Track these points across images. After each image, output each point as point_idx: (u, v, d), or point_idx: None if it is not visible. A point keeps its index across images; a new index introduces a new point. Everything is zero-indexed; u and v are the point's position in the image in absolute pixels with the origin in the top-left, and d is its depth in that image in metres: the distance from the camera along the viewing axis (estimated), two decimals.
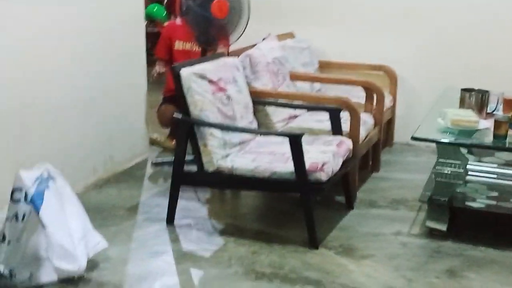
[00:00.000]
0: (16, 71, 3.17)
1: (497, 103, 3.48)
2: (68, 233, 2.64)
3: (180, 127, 3.26)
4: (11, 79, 3.13)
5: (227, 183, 3.31)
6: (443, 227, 3.16)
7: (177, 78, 3.18)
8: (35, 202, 2.57)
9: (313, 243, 3.04)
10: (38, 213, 2.56)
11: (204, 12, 3.77)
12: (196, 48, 4.43)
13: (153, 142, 4.70)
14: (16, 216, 2.58)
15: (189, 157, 3.27)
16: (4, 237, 2.60)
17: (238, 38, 4.18)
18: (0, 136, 3.05)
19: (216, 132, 3.19)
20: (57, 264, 2.59)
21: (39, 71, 3.34)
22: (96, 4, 3.78)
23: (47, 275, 2.61)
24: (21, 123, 3.22)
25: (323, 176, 2.99)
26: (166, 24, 4.97)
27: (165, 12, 6.03)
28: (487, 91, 3.48)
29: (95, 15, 3.79)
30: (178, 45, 4.61)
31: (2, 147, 2.97)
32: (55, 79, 3.47)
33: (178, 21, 4.60)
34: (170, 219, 3.31)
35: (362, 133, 3.65)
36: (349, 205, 3.56)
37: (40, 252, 2.58)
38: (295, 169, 2.95)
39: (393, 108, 4.61)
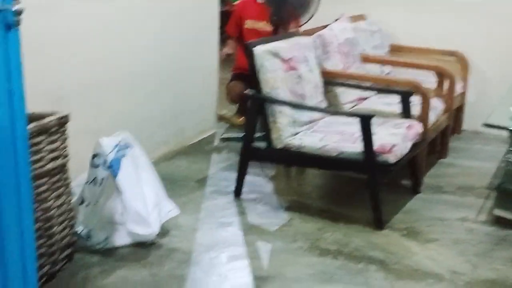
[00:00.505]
0: (101, 46, 3.31)
1: None
2: (142, 199, 2.75)
3: (251, 103, 3.31)
4: (96, 52, 3.27)
5: (294, 160, 3.36)
6: (511, 216, 3.13)
7: (250, 55, 3.24)
8: (113, 168, 2.68)
9: (378, 223, 3.06)
10: (115, 178, 2.68)
11: None
12: (267, 27, 4.46)
13: (221, 118, 4.77)
14: (95, 180, 2.71)
15: (257, 133, 3.33)
16: (83, 200, 2.74)
17: (310, 19, 4.19)
18: (81, 104, 3.17)
19: (286, 110, 3.24)
20: (131, 228, 2.71)
21: (121, 46, 3.47)
22: None
23: (121, 239, 2.73)
24: (101, 93, 3.35)
25: (391, 158, 3.00)
26: (237, 2, 4.98)
27: None
28: None
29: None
30: (249, 23, 4.63)
31: (82, 115, 3.09)
32: (134, 54, 3.59)
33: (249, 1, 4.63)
34: (237, 193, 3.40)
35: (432, 118, 3.63)
36: (415, 189, 3.55)
37: (115, 216, 2.71)
38: (363, 149, 2.97)
39: (463, 94, 4.54)
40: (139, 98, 3.70)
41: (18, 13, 1.54)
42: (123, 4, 3.45)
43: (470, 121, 4.54)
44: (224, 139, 4.42)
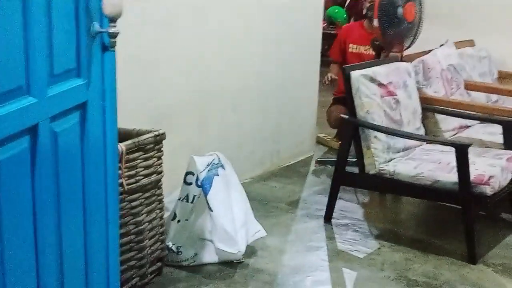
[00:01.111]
0: (203, 66, 3.42)
1: None
2: (231, 219, 2.80)
3: (346, 127, 3.32)
4: (198, 72, 3.39)
5: (387, 187, 3.32)
6: None
7: (347, 79, 3.24)
8: (204, 186, 2.75)
9: (472, 257, 2.94)
10: (206, 196, 2.74)
11: (395, 13, 3.74)
12: (370, 52, 4.44)
13: (320, 141, 4.79)
14: (187, 197, 2.79)
15: (352, 158, 3.31)
16: (175, 216, 2.82)
17: (412, 43, 4.13)
18: (181, 123, 3.28)
19: (381, 135, 3.21)
20: (219, 246, 2.76)
21: (223, 67, 3.57)
22: (280, 3, 3.93)
23: (209, 256, 2.79)
24: (201, 111, 3.46)
25: (489, 190, 2.89)
26: (342, 27, 5.01)
27: (345, 14, 6.08)
28: None
29: (278, 14, 3.94)
30: (352, 47, 4.64)
31: (182, 134, 3.20)
32: (237, 74, 3.69)
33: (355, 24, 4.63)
34: (328, 217, 3.38)
35: None
36: None
37: (205, 233, 2.77)
38: (458, 179, 2.88)
39: None
40: (239, 118, 3.79)
41: (114, 35, 1.62)
42: (227, 26, 3.55)
43: None
44: (321, 162, 4.42)
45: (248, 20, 3.73)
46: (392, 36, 3.80)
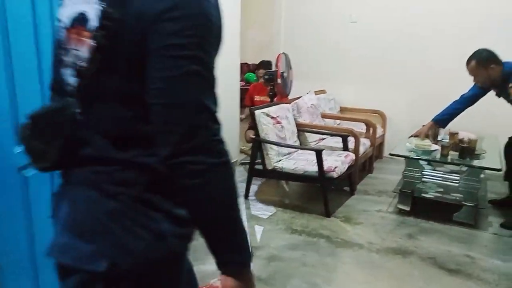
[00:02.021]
0: None
1: (445, 135, 3.35)
2: None
3: (254, 143, 3.34)
4: None
5: (278, 176, 3.35)
6: (407, 208, 3.07)
7: (253, 115, 3.28)
8: None
9: (327, 213, 3.03)
10: None
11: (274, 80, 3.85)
12: (267, 99, 4.50)
13: (241, 151, 4.80)
14: None
15: (259, 160, 3.34)
16: None
17: (289, 94, 4.23)
18: None
19: (274, 146, 3.26)
20: None
21: None
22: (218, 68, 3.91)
23: None
24: None
25: (334, 174, 2.99)
26: (250, 85, 5.04)
27: (255, 77, 6.17)
28: (438, 127, 3.34)
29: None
30: (257, 97, 4.68)
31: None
32: None
33: (258, 84, 4.69)
34: (246, 195, 3.39)
35: (361, 150, 3.61)
36: (351, 192, 3.50)
37: None
38: (318, 169, 2.96)
39: (383, 136, 4.50)
40: None
41: None
42: None
43: (388, 151, 4.46)
44: (242, 163, 4.42)
45: None
46: (284, 88, 3.91)
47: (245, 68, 6.11)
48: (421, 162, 3.09)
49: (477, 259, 2.44)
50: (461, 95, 3.15)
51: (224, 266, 0.76)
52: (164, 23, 0.66)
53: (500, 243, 2.67)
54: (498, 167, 2.76)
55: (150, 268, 0.74)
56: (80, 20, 0.72)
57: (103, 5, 0.69)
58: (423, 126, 3.25)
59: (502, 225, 2.87)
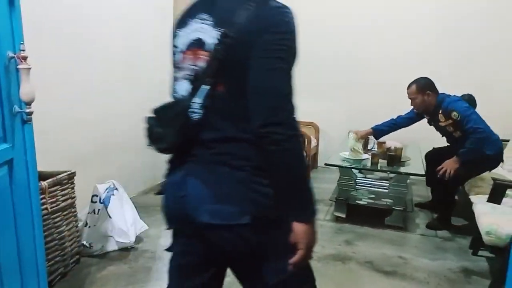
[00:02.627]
0: (102, 125, 3.19)
1: (374, 144, 3.55)
2: (124, 221, 2.64)
3: None
4: (95, 130, 3.15)
5: None
6: (343, 215, 3.19)
7: None
8: (105, 203, 2.58)
9: None
10: (106, 209, 2.57)
11: None
12: None
13: None
14: (94, 211, 2.59)
15: None
16: (86, 224, 2.60)
17: None
18: (87, 161, 3.04)
19: None
20: (117, 239, 2.59)
21: (113, 125, 3.35)
22: (155, 83, 3.81)
23: (111, 246, 2.60)
24: (102, 154, 3.22)
25: None
26: None
27: None
28: (368, 137, 3.53)
29: (152, 95, 3.82)
30: None
31: (88, 169, 2.97)
32: (125, 126, 3.49)
33: None
34: None
35: None
36: None
37: (107, 232, 2.58)
38: None
39: (317, 146, 4.67)
40: (127, 157, 3.58)
41: (29, 114, 1.47)
42: (121, 103, 3.36)
43: (321, 161, 4.61)
44: None
45: (126, 98, 3.58)
46: None
47: None
48: (354, 170, 3.24)
49: (409, 259, 2.59)
50: (398, 116, 3.38)
51: (298, 216, 1.01)
52: (266, 35, 0.95)
53: (427, 243, 2.86)
54: (422, 172, 2.99)
55: (269, 215, 1.01)
56: (196, 44, 1.03)
57: (221, 30, 0.98)
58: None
59: (427, 226, 3.08)
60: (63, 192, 2.26)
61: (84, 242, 2.53)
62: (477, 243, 2.62)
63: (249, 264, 1.08)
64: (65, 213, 2.28)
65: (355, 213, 3.22)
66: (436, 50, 4.30)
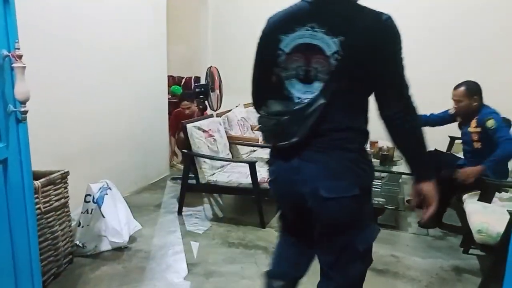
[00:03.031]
0: (93, 124, 3.17)
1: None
2: (117, 220, 2.63)
3: (186, 157, 3.28)
4: (89, 129, 3.13)
5: (212, 190, 3.33)
6: None
7: (184, 128, 3.22)
8: (98, 202, 2.56)
9: (262, 224, 3.05)
10: (100, 208, 2.55)
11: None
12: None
13: (172, 166, 4.68)
14: (87, 211, 2.57)
15: (192, 174, 3.28)
16: (80, 223, 2.58)
17: (219, 107, 4.25)
18: (79, 161, 3.02)
19: (207, 160, 3.22)
20: (111, 239, 2.57)
21: (107, 124, 3.33)
22: (145, 85, 3.79)
23: (105, 246, 2.59)
24: (93, 153, 3.21)
25: (268, 185, 3.01)
26: (173, 114, 4.72)
27: (181, 90, 6.04)
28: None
29: (143, 90, 3.80)
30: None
31: (80, 169, 2.95)
32: (116, 128, 3.47)
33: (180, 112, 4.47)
34: (179, 211, 3.30)
35: None
36: None
37: (101, 232, 2.57)
38: (252, 181, 2.98)
39: None
40: (119, 156, 3.56)
41: (24, 113, 1.46)
42: (113, 98, 3.34)
43: None
44: (173, 179, 4.31)
45: (117, 97, 3.56)
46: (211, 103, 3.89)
47: (170, 81, 5.99)
48: None
49: (401, 258, 2.62)
50: (431, 113, 3.24)
51: (428, 176, 1.27)
52: (389, 45, 1.21)
53: (419, 241, 2.89)
54: None
55: (368, 188, 1.32)
56: (307, 48, 1.24)
57: (338, 38, 1.19)
58: None
59: (419, 225, 3.11)
60: (56, 192, 2.24)
61: (78, 242, 2.52)
62: (468, 242, 2.66)
63: (346, 232, 1.30)
64: (58, 212, 2.27)
65: None
66: (431, 48, 4.34)
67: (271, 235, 2.91)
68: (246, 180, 3.03)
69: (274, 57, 1.30)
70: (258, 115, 1.39)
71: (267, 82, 1.36)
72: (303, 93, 1.26)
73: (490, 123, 2.75)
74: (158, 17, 4.02)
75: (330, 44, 1.20)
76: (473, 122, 2.90)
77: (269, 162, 1.41)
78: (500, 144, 2.67)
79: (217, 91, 3.86)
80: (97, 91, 3.21)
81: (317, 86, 1.23)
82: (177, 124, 4.35)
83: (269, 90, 1.35)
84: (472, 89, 2.89)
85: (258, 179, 2.98)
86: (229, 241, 2.81)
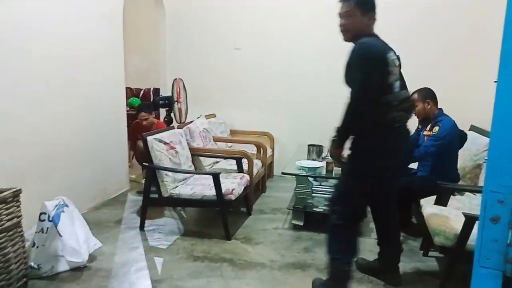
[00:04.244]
0: (44, 139, 3.01)
1: (328, 152, 3.63)
2: (76, 239, 2.50)
3: (147, 170, 3.19)
4: (40, 144, 2.97)
5: (176, 203, 3.26)
6: (301, 223, 3.23)
7: (144, 141, 3.14)
8: (54, 221, 2.43)
9: (227, 236, 3.01)
10: (56, 227, 2.42)
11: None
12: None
13: (131, 179, 4.53)
14: (42, 230, 2.43)
15: (153, 188, 3.19)
16: (34, 244, 2.43)
17: (186, 118, 4.19)
18: (31, 177, 2.86)
19: (169, 173, 3.15)
20: (68, 259, 2.45)
21: (58, 138, 3.18)
22: (98, 97, 3.65)
23: (62, 266, 2.46)
24: (46, 169, 3.05)
25: (233, 197, 3.00)
26: (132, 126, 4.64)
27: (140, 102, 5.91)
28: (321, 145, 3.63)
29: (98, 103, 3.66)
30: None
31: (33, 185, 2.79)
32: (69, 141, 3.32)
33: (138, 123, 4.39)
34: (141, 227, 3.19)
35: (255, 171, 3.70)
36: (249, 212, 3.56)
37: (57, 252, 2.44)
38: (216, 193, 2.95)
39: (272, 156, 4.71)
40: (75, 171, 3.40)
41: None
42: (63, 116, 3.19)
43: (277, 170, 4.67)
44: (139, 192, 4.12)
45: (72, 111, 3.41)
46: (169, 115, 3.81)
47: (128, 92, 5.85)
48: (310, 178, 3.30)
49: None
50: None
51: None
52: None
53: None
54: None
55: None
56: (396, 63, 2.08)
57: (397, 56, 2.14)
58: None
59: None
60: (8, 211, 2.10)
61: (32, 264, 2.36)
62: (427, 244, 2.76)
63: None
64: (10, 233, 2.12)
65: (312, 221, 3.27)
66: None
67: (236, 247, 2.88)
68: (210, 192, 3.00)
69: (386, 68, 2.02)
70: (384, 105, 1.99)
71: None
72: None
73: (435, 129, 2.99)
74: (114, 29, 3.92)
75: (398, 61, 2.13)
76: (428, 126, 3.11)
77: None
78: (419, 148, 2.98)
79: (180, 104, 3.80)
80: (49, 104, 3.07)
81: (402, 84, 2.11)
82: (135, 136, 4.27)
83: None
84: (424, 94, 3.11)
85: (223, 191, 2.95)
86: (194, 255, 2.75)
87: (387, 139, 2.03)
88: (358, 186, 2.08)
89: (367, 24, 2.07)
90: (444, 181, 2.79)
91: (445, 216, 2.40)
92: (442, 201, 2.65)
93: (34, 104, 2.91)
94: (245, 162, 3.62)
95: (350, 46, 2.00)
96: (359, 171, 2.08)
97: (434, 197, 2.73)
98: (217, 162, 3.99)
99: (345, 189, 2.15)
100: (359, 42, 1.96)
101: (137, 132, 4.28)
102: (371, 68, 1.91)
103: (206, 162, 3.82)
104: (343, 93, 1.99)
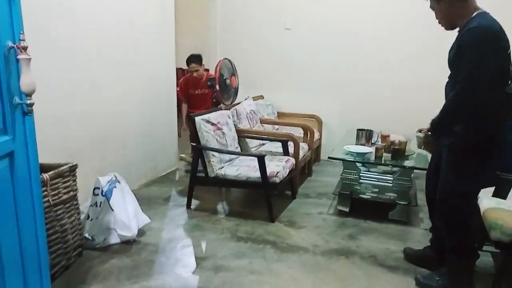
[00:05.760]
0: (100, 120, 3.15)
1: (378, 137, 3.51)
2: (126, 214, 2.62)
3: (195, 150, 3.25)
4: (96, 124, 3.12)
5: (221, 183, 3.28)
6: (346, 209, 3.17)
7: (193, 122, 3.19)
8: (107, 196, 2.55)
9: (271, 219, 3.02)
10: (108, 202, 2.54)
11: (225, 83, 3.77)
12: (204, 91, 4.39)
13: (181, 159, 4.66)
14: (96, 204, 2.56)
15: (200, 168, 3.25)
16: (88, 216, 2.57)
17: (235, 100, 4.20)
18: (87, 154, 3.02)
19: (215, 153, 3.19)
20: (119, 232, 2.57)
21: (115, 120, 3.32)
22: (154, 75, 3.76)
23: (114, 239, 2.59)
24: (101, 146, 3.20)
25: (277, 180, 2.99)
26: (183, 78, 4.72)
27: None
28: (371, 130, 3.51)
29: (150, 82, 3.77)
30: (197, 92, 4.46)
31: (88, 162, 2.94)
32: (125, 123, 3.45)
33: (190, 77, 4.46)
34: (188, 205, 3.28)
35: (301, 154, 3.66)
36: (293, 196, 3.54)
37: (109, 225, 2.56)
38: (261, 175, 2.95)
39: (320, 139, 4.63)
40: (127, 150, 3.55)
41: (30, 105, 1.43)
42: (112, 98, 3.32)
43: (325, 154, 4.59)
44: (187, 171, 4.25)
45: (125, 91, 3.53)
46: (224, 95, 3.82)
47: (179, 73, 5.94)
48: (357, 164, 3.20)
49: None
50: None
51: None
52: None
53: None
54: (427, 166, 2.93)
55: None
56: None
57: None
58: None
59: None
60: (65, 185, 2.23)
61: (87, 235, 2.51)
62: (482, 239, 2.59)
63: None
64: (67, 205, 2.26)
65: (359, 207, 3.20)
66: (430, 48, 4.23)
67: (280, 230, 2.87)
68: (255, 174, 3.00)
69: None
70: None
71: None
72: None
73: None
74: (166, 11, 3.97)
75: None
76: None
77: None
78: None
79: (217, 86, 3.79)
80: (105, 85, 3.19)
81: None
82: (188, 90, 4.45)
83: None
84: None
85: (267, 173, 2.94)
86: (238, 235, 2.78)
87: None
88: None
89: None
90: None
91: (503, 209, 2.23)
92: (501, 193, 2.46)
93: (92, 86, 3.05)
94: (291, 145, 3.59)
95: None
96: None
97: (492, 188, 2.54)
98: (263, 144, 3.99)
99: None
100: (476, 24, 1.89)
101: (188, 86, 4.41)
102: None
103: (252, 144, 3.82)
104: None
